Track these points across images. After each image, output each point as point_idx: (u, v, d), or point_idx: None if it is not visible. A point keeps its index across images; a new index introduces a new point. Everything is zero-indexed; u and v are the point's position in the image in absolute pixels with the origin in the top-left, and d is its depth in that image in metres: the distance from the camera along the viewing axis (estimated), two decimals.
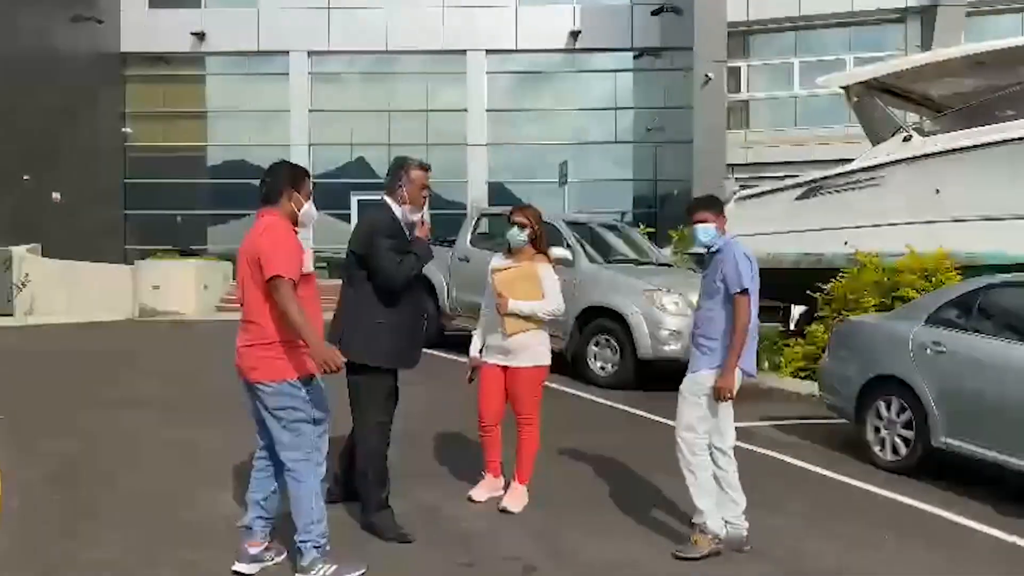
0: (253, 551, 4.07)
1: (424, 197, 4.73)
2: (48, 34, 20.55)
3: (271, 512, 4.12)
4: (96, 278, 18.00)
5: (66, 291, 16.84)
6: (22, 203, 18.33)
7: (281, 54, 24.42)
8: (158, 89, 25.27)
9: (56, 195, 19.71)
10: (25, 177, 18.33)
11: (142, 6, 24.41)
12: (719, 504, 4.50)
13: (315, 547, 3.92)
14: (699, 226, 4.57)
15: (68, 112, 20.83)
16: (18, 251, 16.76)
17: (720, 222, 4.57)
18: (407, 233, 4.66)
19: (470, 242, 11.46)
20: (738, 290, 4.38)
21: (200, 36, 24.11)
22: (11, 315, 15.99)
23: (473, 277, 9.94)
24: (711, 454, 4.54)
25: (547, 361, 5.12)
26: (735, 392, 4.43)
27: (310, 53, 24.48)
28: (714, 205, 4.61)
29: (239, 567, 4.03)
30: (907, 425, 6.29)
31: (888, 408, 6.46)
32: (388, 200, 4.68)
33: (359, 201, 22.56)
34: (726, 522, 4.49)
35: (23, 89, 18.75)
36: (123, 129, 24.52)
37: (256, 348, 3.86)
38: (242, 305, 3.97)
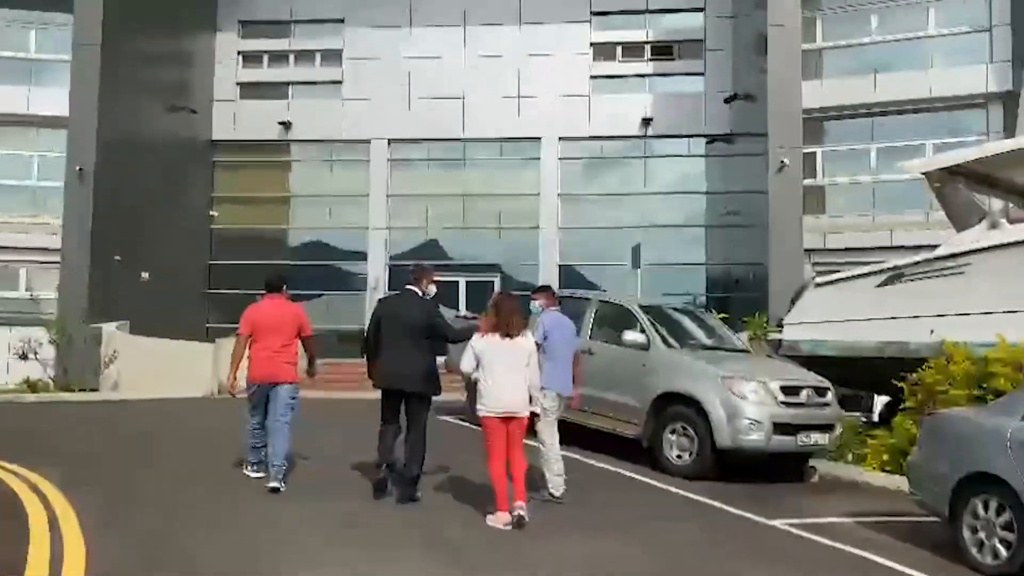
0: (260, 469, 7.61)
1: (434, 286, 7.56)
2: (146, 122, 21.83)
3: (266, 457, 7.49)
4: (179, 355, 18.58)
5: (150, 367, 17.39)
6: (113, 281, 19.14)
7: (363, 142, 25.34)
8: (245, 174, 26.38)
9: (145, 274, 20.54)
10: (117, 258, 19.18)
11: (233, 97, 25.79)
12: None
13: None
14: (532, 303, 8.20)
15: (161, 195, 21.91)
16: (108, 328, 17.45)
17: (544, 302, 8.04)
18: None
19: None
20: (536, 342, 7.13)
21: (287, 126, 25.24)
22: (97, 390, 16.54)
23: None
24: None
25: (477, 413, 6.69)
26: (547, 407, 7.45)
27: (390, 141, 25.33)
28: (543, 291, 8.39)
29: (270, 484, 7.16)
30: (1007, 526, 5.92)
31: (986, 508, 6.10)
32: (415, 289, 7.44)
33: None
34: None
35: (122, 173, 19.84)
36: (210, 212, 25.58)
37: (290, 365, 7.63)
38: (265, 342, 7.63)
